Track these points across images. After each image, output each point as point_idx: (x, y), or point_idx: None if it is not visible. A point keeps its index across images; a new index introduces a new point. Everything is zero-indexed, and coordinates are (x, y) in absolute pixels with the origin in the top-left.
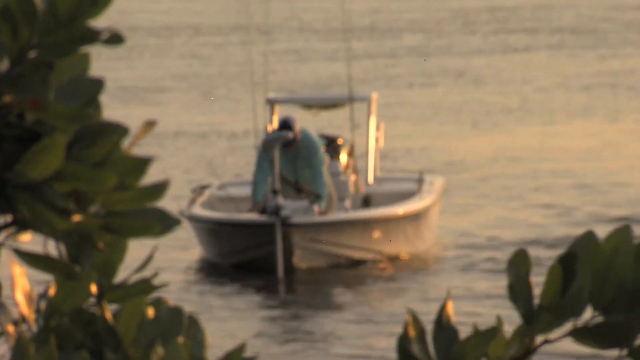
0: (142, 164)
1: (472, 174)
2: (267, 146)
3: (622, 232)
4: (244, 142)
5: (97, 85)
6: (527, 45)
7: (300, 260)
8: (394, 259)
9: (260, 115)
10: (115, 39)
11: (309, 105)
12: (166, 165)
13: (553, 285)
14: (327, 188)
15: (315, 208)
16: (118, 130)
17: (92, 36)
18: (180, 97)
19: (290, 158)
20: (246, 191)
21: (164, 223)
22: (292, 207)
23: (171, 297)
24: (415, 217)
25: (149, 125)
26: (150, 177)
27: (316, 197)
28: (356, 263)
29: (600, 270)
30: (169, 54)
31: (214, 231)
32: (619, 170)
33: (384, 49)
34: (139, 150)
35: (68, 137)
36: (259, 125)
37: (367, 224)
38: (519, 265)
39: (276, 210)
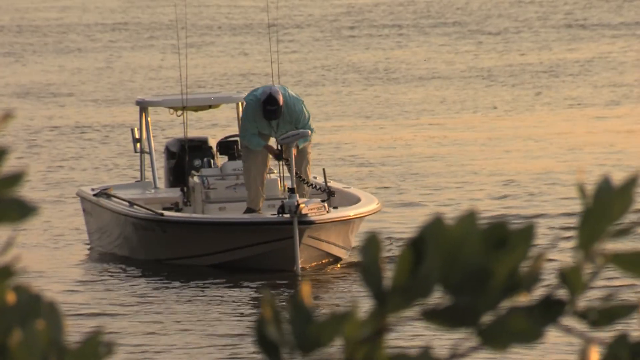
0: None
1: (366, 169)
2: (283, 145)
3: (469, 217)
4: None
5: None
6: (430, 40)
7: (302, 258)
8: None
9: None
10: None
11: (181, 107)
12: (64, 162)
13: (403, 267)
14: (311, 133)
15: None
16: None
17: None
18: (88, 95)
19: (272, 126)
20: (137, 193)
21: (22, 211)
22: (308, 204)
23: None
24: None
25: (6, 117)
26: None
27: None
28: (338, 260)
29: (449, 254)
30: (77, 52)
31: (206, 231)
32: (512, 161)
33: (293, 45)
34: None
35: None
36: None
37: (354, 222)
38: (370, 248)
39: (296, 209)
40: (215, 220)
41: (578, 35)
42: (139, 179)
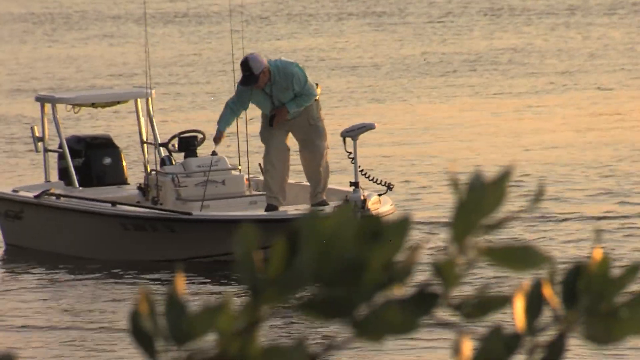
0: None
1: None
2: (347, 137)
3: (344, 209)
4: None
5: None
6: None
7: None
8: None
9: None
10: None
11: (89, 104)
12: None
13: (277, 260)
14: (309, 94)
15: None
16: None
17: None
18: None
19: (267, 94)
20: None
21: None
22: (370, 199)
23: None
24: None
25: None
26: None
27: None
28: None
29: (324, 246)
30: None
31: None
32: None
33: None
34: None
35: None
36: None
37: None
38: (245, 239)
39: (363, 204)
40: (272, 217)
41: (500, 23)
42: (47, 180)
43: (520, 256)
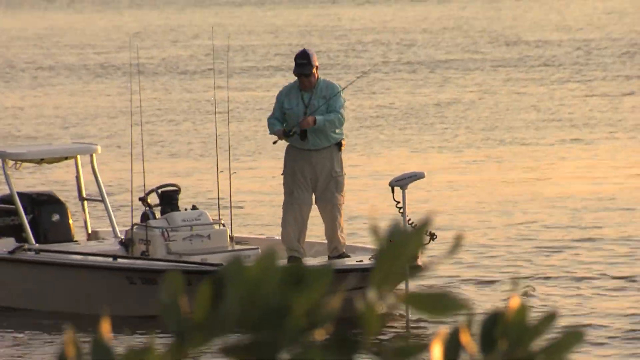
0: None
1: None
2: (396, 186)
3: (268, 257)
4: None
5: None
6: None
7: None
8: None
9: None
10: None
11: (38, 160)
12: None
13: (202, 305)
14: (342, 117)
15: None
16: None
17: None
18: None
19: (303, 102)
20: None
21: None
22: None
23: None
24: None
25: None
26: None
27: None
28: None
29: (248, 292)
30: None
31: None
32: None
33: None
34: None
35: None
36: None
37: None
38: (171, 285)
39: None
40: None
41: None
42: None
43: (438, 302)
